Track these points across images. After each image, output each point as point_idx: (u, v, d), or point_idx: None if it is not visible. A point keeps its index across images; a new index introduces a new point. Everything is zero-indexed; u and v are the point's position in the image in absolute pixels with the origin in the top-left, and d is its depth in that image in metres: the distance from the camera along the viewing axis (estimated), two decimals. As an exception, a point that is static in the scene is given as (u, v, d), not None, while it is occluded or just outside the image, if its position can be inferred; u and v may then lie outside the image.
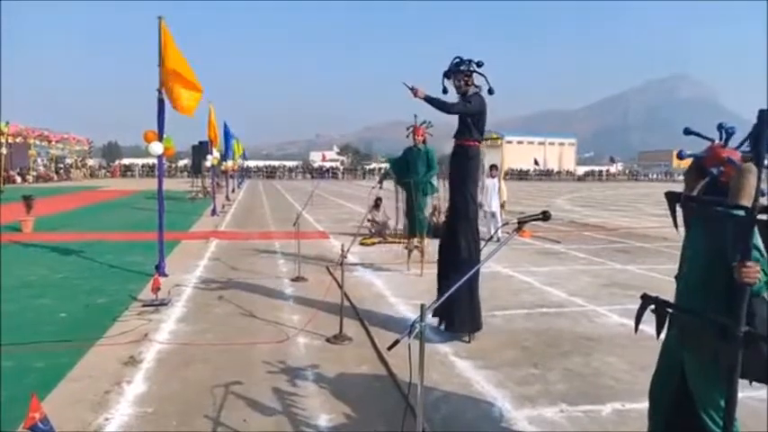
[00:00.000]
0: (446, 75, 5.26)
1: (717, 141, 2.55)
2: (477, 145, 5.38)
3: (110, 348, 4.90)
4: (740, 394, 4.06)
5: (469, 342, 5.19)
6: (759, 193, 2.22)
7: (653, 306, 2.71)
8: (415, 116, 8.49)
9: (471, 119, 5.27)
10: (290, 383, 4.20)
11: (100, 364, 4.54)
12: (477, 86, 5.29)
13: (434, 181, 9.15)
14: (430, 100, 4.99)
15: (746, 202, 2.25)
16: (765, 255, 2.33)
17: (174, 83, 7.69)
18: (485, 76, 5.25)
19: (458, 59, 5.26)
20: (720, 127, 2.54)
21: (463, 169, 5.40)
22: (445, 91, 5.22)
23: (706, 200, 2.49)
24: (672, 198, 2.65)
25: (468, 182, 5.41)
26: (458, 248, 5.31)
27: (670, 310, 2.65)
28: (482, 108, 5.27)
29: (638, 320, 2.81)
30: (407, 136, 8.76)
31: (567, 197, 31.66)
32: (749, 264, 2.16)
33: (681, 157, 2.66)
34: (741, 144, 2.50)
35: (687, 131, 2.68)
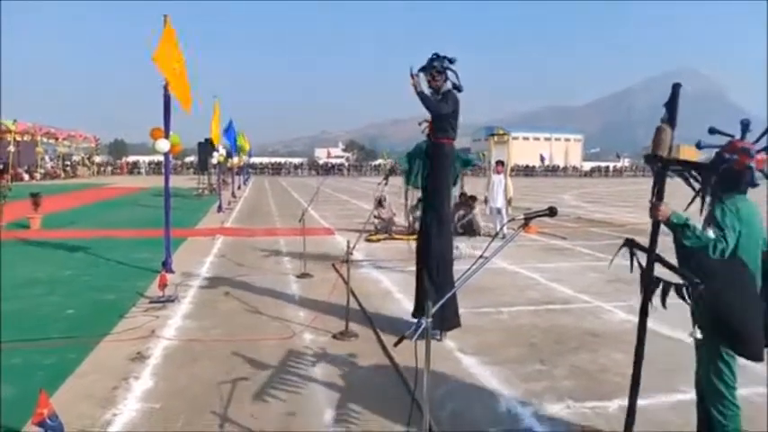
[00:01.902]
0: (421, 70, 5.26)
1: (737, 137, 2.84)
2: (452, 142, 5.47)
3: (117, 345, 4.93)
4: (743, 391, 4.06)
5: (441, 341, 5.11)
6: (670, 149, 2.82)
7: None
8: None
9: (450, 117, 5.31)
10: (297, 379, 4.22)
11: (107, 360, 4.57)
12: (455, 84, 5.30)
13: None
14: (422, 96, 5.04)
15: (662, 152, 2.81)
16: (725, 223, 2.68)
17: (178, 81, 7.73)
18: (456, 73, 5.27)
19: (434, 56, 5.27)
20: (741, 123, 2.86)
21: (442, 167, 5.44)
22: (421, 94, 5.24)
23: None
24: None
25: (447, 179, 5.51)
26: (438, 245, 5.33)
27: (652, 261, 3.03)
28: (456, 106, 5.31)
29: (612, 258, 3.21)
30: (423, 131, 8.51)
31: (574, 193, 31.55)
32: (656, 203, 2.77)
33: (699, 147, 2.97)
34: (758, 139, 2.79)
35: (712, 131, 2.93)
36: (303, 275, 7.84)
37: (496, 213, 12.23)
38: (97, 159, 60.96)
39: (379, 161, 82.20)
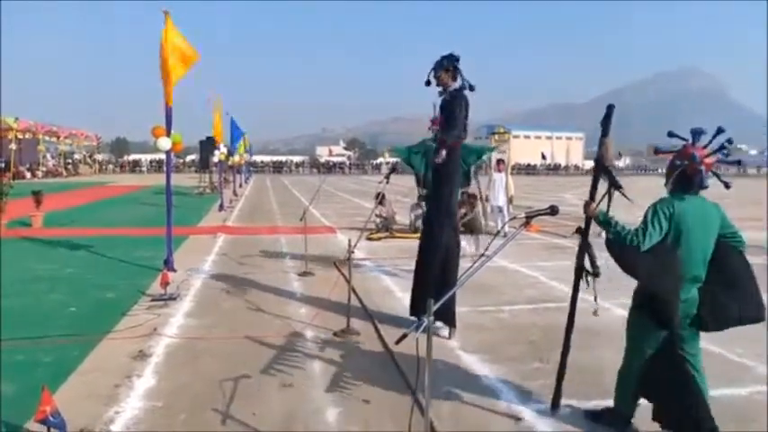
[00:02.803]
0: (433, 69, 5.34)
1: (689, 141, 3.19)
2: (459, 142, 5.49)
3: (119, 342, 4.94)
4: (743, 390, 4.05)
5: (450, 338, 5.15)
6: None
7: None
8: (434, 105, 7.39)
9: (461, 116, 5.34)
10: (298, 377, 4.23)
11: (110, 358, 4.58)
12: (465, 82, 5.33)
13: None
14: (454, 135, 5.21)
15: (610, 163, 3.41)
16: (651, 222, 3.10)
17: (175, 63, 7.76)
18: (461, 73, 5.31)
19: (449, 54, 5.33)
20: (691, 131, 3.20)
21: (451, 164, 5.43)
22: (428, 83, 5.36)
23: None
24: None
25: (454, 176, 5.54)
26: (443, 242, 5.35)
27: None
28: (467, 107, 5.34)
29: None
30: (429, 129, 7.63)
31: (575, 192, 31.51)
32: (588, 202, 3.36)
33: (656, 152, 3.48)
34: (707, 144, 3.15)
35: (670, 134, 3.33)
36: (304, 273, 7.85)
37: (497, 212, 12.23)
38: (99, 157, 61.01)
39: (380, 160, 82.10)
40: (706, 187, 3.17)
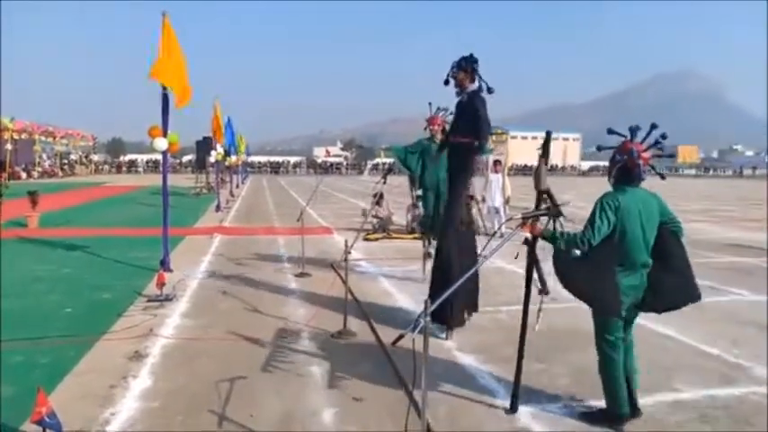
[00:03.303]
0: (452, 69, 5.37)
1: (627, 137, 3.45)
2: (473, 141, 5.49)
3: (115, 343, 4.93)
4: (743, 390, 4.07)
5: (447, 339, 5.15)
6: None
7: None
8: (430, 104, 7.32)
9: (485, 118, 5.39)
10: (295, 378, 4.22)
11: (106, 358, 4.57)
12: (482, 84, 5.35)
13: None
14: (481, 144, 5.29)
15: (542, 186, 3.66)
16: (599, 218, 3.34)
17: (179, 77, 7.72)
18: (479, 74, 5.34)
19: (468, 56, 5.36)
20: (630, 128, 3.47)
21: (466, 164, 5.48)
22: (446, 82, 5.39)
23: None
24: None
25: (469, 175, 5.62)
26: (460, 241, 5.38)
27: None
28: (485, 104, 5.36)
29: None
30: (425, 128, 7.47)
31: (572, 193, 31.56)
32: (533, 224, 3.63)
33: (599, 149, 3.73)
34: (644, 140, 3.42)
35: (609, 131, 3.59)
36: (301, 274, 7.84)
37: (494, 212, 12.24)
38: (95, 158, 60.89)
39: (377, 161, 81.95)
40: (643, 179, 3.45)
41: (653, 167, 3.46)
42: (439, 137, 7.06)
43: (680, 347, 5.05)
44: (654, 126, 3.40)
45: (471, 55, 5.35)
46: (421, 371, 2.71)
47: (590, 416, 3.62)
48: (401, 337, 4.81)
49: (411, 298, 6.66)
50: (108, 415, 3.57)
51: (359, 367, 4.47)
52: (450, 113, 6.77)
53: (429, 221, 7.20)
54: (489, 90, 5.30)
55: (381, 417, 3.61)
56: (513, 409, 3.72)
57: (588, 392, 4.01)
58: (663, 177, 3.67)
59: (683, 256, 3.44)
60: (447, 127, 7.02)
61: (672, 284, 3.39)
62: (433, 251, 6.86)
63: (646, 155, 3.38)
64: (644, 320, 5.80)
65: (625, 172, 3.41)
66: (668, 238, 3.44)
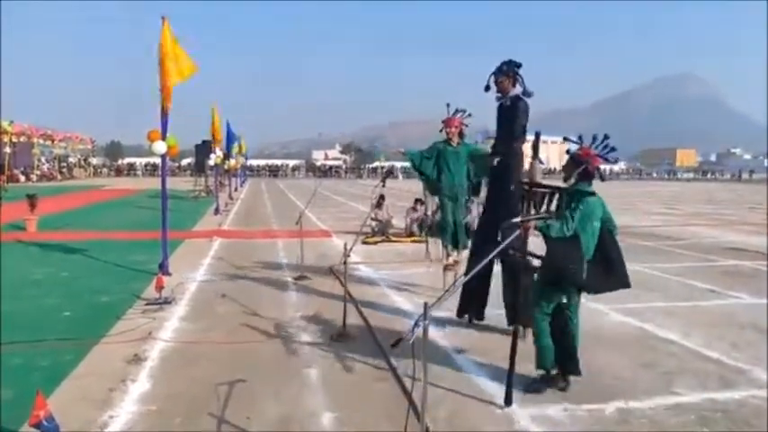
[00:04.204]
0: (493, 74, 5.46)
1: (585, 143, 4.07)
2: (519, 145, 5.57)
3: (114, 347, 4.92)
4: (742, 393, 4.07)
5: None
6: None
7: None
8: (448, 105, 6.85)
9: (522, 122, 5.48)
10: (294, 381, 4.22)
11: (104, 362, 4.56)
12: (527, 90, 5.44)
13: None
14: (536, 148, 5.23)
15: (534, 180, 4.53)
16: (577, 219, 3.90)
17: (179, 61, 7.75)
18: (521, 79, 5.42)
19: (509, 61, 5.44)
20: (593, 136, 4.07)
21: (514, 169, 5.48)
22: (487, 88, 5.48)
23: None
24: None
25: (515, 180, 5.56)
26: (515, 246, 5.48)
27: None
28: (528, 111, 5.46)
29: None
30: (441, 130, 6.90)
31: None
32: (524, 222, 3.98)
33: (568, 153, 4.13)
34: (592, 144, 4.04)
35: (565, 138, 4.11)
36: (300, 278, 7.83)
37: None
38: (93, 161, 60.90)
39: (376, 164, 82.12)
40: (596, 179, 4.15)
41: (598, 170, 4.10)
42: (456, 139, 6.69)
43: (680, 351, 5.05)
44: (606, 136, 4.05)
45: (512, 60, 5.42)
46: (420, 373, 2.71)
47: (534, 384, 4.12)
48: (400, 339, 4.79)
49: (410, 301, 6.66)
50: (106, 418, 3.56)
51: (358, 370, 4.47)
52: (469, 115, 6.76)
53: (450, 230, 6.65)
54: (529, 94, 5.37)
55: (380, 419, 3.60)
56: (507, 402, 3.83)
57: (587, 394, 4.01)
58: (603, 179, 4.33)
59: (617, 250, 4.10)
60: (464, 129, 6.84)
61: (607, 272, 4.03)
62: (453, 262, 6.78)
63: (599, 160, 4.07)
64: (645, 324, 5.82)
65: (585, 174, 4.05)
66: (606, 235, 4.06)
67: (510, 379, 3.88)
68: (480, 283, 5.54)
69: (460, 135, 6.72)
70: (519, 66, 5.40)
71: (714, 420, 3.68)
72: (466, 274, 5.51)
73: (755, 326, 5.82)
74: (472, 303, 5.73)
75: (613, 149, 4.06)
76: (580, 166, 4.04)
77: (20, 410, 3.36)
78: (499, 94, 5.48)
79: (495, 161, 5.48)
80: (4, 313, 5.77)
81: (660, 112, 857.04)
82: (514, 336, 4.03)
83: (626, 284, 4.11)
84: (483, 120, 6.79)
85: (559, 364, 4.12)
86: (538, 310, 4.14)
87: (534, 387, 4.09)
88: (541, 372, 4.17)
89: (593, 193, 4.04)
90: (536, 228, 3.97)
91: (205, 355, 4.74)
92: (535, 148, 4.15)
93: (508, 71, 5.38)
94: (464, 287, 5.55)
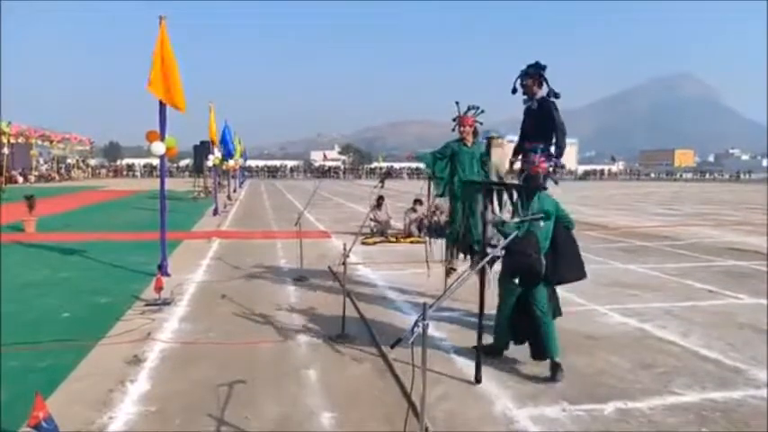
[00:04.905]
0: (519, 77, 5.55)
1: (535, 153, 4.67)
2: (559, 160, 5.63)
3: (113, 347, 4.91)
4: (741, 393, 4.08)
5: None
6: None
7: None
8: (457, 103, 6.50)
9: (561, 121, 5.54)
10: (293, 382, 4.22)
11: (103, 363, 4.55)
12: (553, 92, 5.52)
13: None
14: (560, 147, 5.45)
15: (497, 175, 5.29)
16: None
17: (171, 82, 7.71)
18: (546, 81, 5.51)
19: (534, 63, 5.52)
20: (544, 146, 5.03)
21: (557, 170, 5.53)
22: (514, 91, 5.56)
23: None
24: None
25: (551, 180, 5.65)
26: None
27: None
28: (557, 109, 5.54)
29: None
30: (453, 129, 6.60)
31: (568, 196, 31.63)
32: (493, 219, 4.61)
33: (515, 153, 5.18)
34: (534, 151, 4.72)
35: (516, 144, 5.28)
36: (299, 278, 7.83)
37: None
38: (92, 162, 60.86)
39: (375, 164, 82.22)
40: (546, 183, 4.66)
41: (549, 174, 4.65)
42: (470, 138, 6.45)
43: (678, 351, 5.06)
44: (556, 144, 4.85)
45: (537, 62, 5.49)
46: (419, 374, 2.71)
47: (483, 349, 4.50)
48: (399, 340, 4.79)
49: (409, 301, 6.66)
50: (106, 419, 3.56)
51: (357, 371, 4.47)
52: (482, 112, 6.51)
53: (455, 235, 6.47)
54: (556, 95, 5.46)
55: (379, 420, 3.61)
56: (477, 380, 4.17)
57: (587, 396, 4.02)
58: (556, 183, 4.89)
59: (573, 244, 4.51)
60: (478, 127, 6.60)
61: (563, 265, 4.40)
62: (457, 266, 6.68)
63: (544, 166, 4.57)
64: (644, 324, 5.82)
65: (532, 178, 4.55)
66: (562, 230, 4.44)
67: (478, 357, 4.29)
68: None
69: (474, 134, 6.47)
70: (544, 68, 5.48)
71: (713, 420, 3.68)
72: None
73: (754, 326, 5.83)
74: None
75: (551, 155, 4.97)
76: (525, 170, 4.65)
77: (19, 411, 3.36)
78: (525, 97, 5.56)
79: (513, 161, 5.63)
80: (3, 314, 5.77)
81: (658, 112, 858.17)
82: (481, 308, 4.41)
83: (582, 276, 4.56)
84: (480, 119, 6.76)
85: (536, 351, 4.55)
86: (501, 299, 4.63)
87: (480, 350, 4.44)
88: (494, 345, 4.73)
89: (545, 189, 4.50)
90: (494, 224, 4.44)
91: (204, 356, 4.74)
92: (488, 150, 4.64)
93: (534, 73, 5.46)
94: None
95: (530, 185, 4.51)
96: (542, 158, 4.59)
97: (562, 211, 4.52)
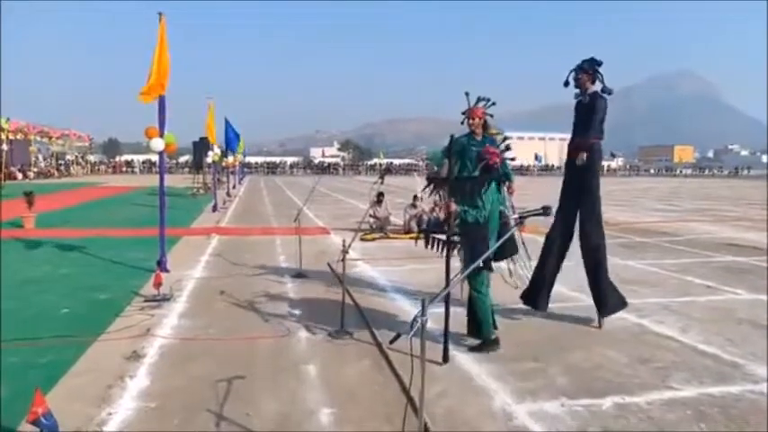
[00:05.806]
0: (573, 71, 5.58)
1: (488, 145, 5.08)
2: (599, 141, 5.71)
3: (112, 343, 4.92)
4: (739, 388, 4.09)
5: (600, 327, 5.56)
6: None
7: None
8: (467, 94, 5.94)
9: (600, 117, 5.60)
10: (292, 378, 4.22)
11: (103, 359, 4.56)
12: (606, 88, 5.55)
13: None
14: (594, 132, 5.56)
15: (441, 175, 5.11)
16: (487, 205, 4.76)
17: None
18: (600, 76, 5.53)
19: (590, 58, 5.57)
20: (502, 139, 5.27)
21: (593, 165, 5.65)
22: (566, 84, 5.63)
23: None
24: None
25: (597, 177, 5.80)
26: (593, 242, 5.69)
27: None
28: (606, 108, 5.62)
29: None
30: (462, 122, 6.03)
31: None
32: (447, 202, 4.63)
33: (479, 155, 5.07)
34: (498, 146, 5.12)
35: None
36: (298, 274, 7.84)
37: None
38: (91, 158, 60.79)
39: (375, 160, 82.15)
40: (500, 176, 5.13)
41: (504, 167, 5.19)
42: (479, 131, 5.89)
43: (676, 346, 5.07)
44: (506, 137, 5.30)
45: (593, 57, 5.53)
46: (418, 370, 2.72)
47: (475, 348, 4.85)
48: (398, 336, 4.82)
49: (408, 298, 6.67)
50: (105, 415, 3.57)
51: (356, 367, 4.48)
52: (493, 103, 6.03)
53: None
54: (609, 92, 5.48)
55: (378, 417, 3.61)
56: (444, 360, 4.46)
57: (585, 391, 4.03)
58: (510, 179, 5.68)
59: (506, 231, 4.89)
60: (488, 119, 6.03)
61: (500, 248, 4.77)
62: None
63: (498, 158, 4.96)
64: (642, 320, 5.84)
65: (488, 168, 4.88)
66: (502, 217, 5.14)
67: (446, 337, 4.55)
68: (555, 272, 5.90)
69: (484, 127, 5.94)
70: (599, 64, 5.51)
71: (711, 415, 3.69)
72: (542, 265, 5.93)
73: (753, 321, 5.85)
74: (543, 292, 5.85)
75: (508, 149, 5.32)
76: (482, 161, 4.92)
77: (18, 408, 3.36)
78: (577, 91, 5.60)
79: (580, 158, 5.58)
80: (3, 311, 5.77)
81: (658, 108, 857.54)
82: (446, 288, 4.37)
83: (513, 252, 5.57)
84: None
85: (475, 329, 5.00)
86: (475, 285, 4.89)
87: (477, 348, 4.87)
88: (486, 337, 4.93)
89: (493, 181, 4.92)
90: (455, 215, 4.72)
91: (204, 352, 4.75)
92: (448, 149, 4.83)
93: (588, 68, 5.50)
94: (538, 275, 5.91)
95: (490, 177, 4.88)
96: (495, 151, 4.97)
97: (499, 196, 5.19)
